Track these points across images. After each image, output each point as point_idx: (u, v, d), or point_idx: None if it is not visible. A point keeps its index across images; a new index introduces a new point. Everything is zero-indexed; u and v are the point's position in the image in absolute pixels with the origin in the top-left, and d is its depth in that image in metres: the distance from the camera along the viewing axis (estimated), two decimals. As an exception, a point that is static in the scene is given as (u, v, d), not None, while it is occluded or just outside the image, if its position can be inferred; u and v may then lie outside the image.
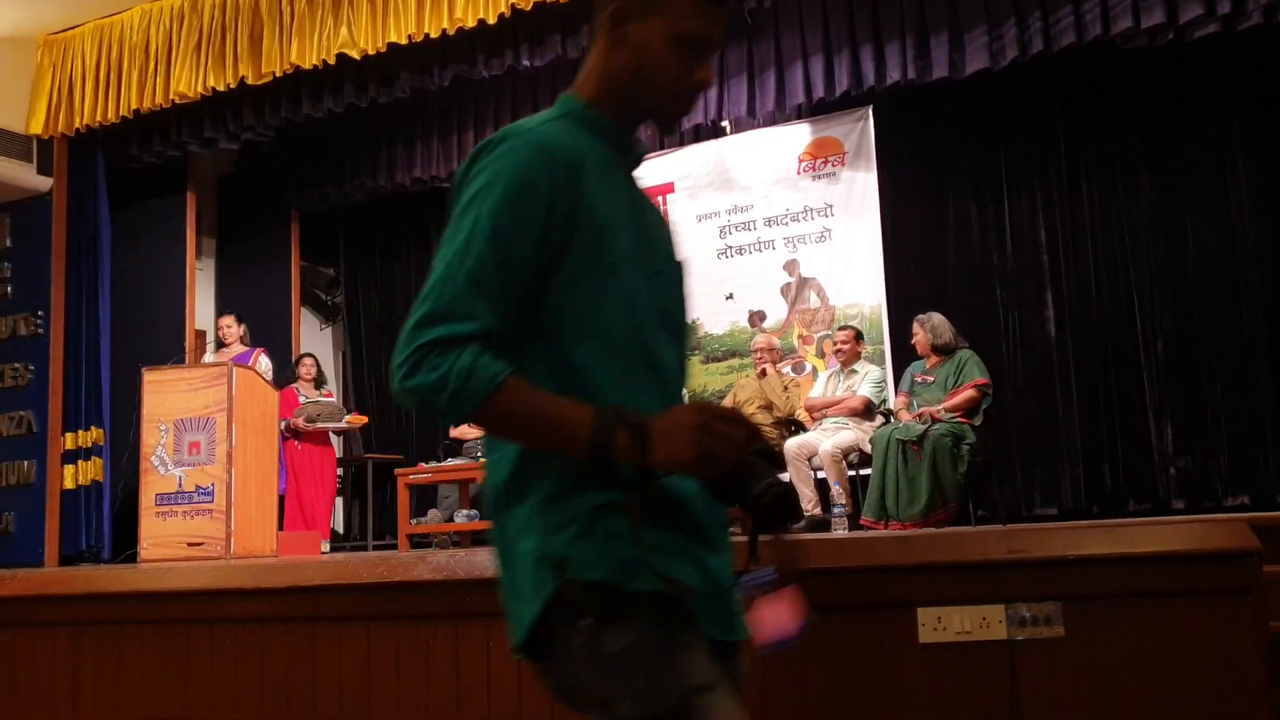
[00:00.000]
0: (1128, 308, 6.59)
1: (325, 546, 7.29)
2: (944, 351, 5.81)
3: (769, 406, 6.57)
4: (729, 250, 7.66)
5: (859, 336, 6.41)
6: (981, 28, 5.92)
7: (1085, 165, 6.78)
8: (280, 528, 7.63)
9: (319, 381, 7.92)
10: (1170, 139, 6.56)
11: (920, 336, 5.89)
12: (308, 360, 7.90)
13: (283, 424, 7.56)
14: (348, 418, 7.65)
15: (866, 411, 6.13)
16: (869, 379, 6.22)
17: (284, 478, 7.14)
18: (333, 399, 7.81)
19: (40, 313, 7.17)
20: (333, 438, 7.92)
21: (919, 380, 5.88)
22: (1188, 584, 2.64)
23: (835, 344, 6.46)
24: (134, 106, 6.83)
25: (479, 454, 7.05)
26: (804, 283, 7.39)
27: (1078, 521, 5.51)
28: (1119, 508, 6.45)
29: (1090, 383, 6.64)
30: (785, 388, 6.65)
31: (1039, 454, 6.68)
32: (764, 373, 6.67)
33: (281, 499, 6.79)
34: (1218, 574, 2.62)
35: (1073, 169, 6.80)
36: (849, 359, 6.33)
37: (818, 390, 6.46)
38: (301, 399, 7.68)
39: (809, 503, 5.99)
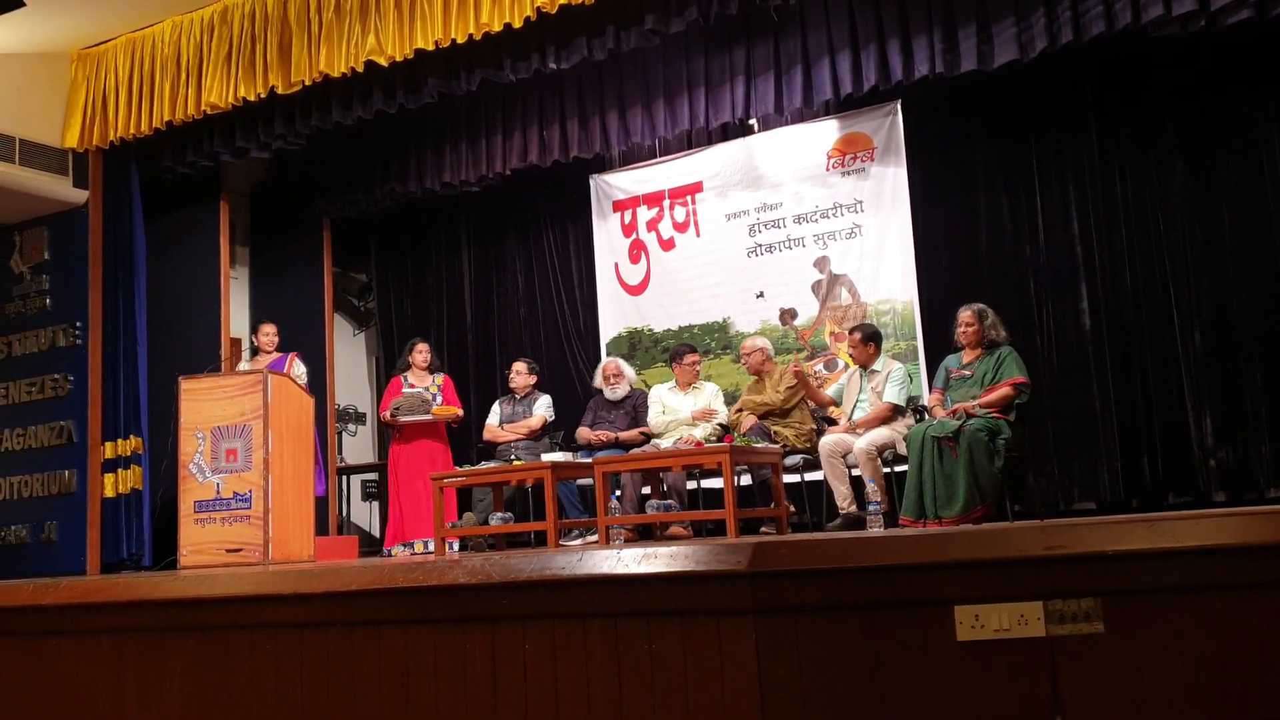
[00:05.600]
0: (1164, 298, 6.50)
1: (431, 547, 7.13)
2: (992, 346, 5.75)
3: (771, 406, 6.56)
4: (759, 248, 7.64)
5: (866, 340, 6.28)
6: (1010, 19, 5.86)
7: (1118, 155, 6.69)
8: (381, 533, 7.52)
9: (434, 368, 7.47)
10: (1204, 126, 6.46)
11: (976, 327, 5.76)
12: (421, 346, 7.47)
13: (382, 417, 7.46)
14: (434, 409, 7.15)
15: (895, 412, 6.09)
16: (892, 378, 6.15)
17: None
18: (416, 390, 7.23)
19: (78, 324, 7.29)
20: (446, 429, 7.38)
21: (955, 375, 5.82)
22: (1230, 578, 2.61)
23: (847, 348, 6.42)
24: (166, 118, 6.91)
25: (512, 457, 7.05)
26: (835, 279, 7.36)
27: (1117, 516, 5.45)
28: (1158, 501, 6.36)
29: (1127, 374, 6.55)
30: (779, 379, 6.62)
31: (1076, 448, 6.60)
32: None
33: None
34: (1260, 567, 2.58)
35: (1105, 159, 6.72)
36: (863, 361, 6.29)
37: (836, 390, 6.42)
38: (405, 390, 7.31)
39: (844, 500, 5.97)
